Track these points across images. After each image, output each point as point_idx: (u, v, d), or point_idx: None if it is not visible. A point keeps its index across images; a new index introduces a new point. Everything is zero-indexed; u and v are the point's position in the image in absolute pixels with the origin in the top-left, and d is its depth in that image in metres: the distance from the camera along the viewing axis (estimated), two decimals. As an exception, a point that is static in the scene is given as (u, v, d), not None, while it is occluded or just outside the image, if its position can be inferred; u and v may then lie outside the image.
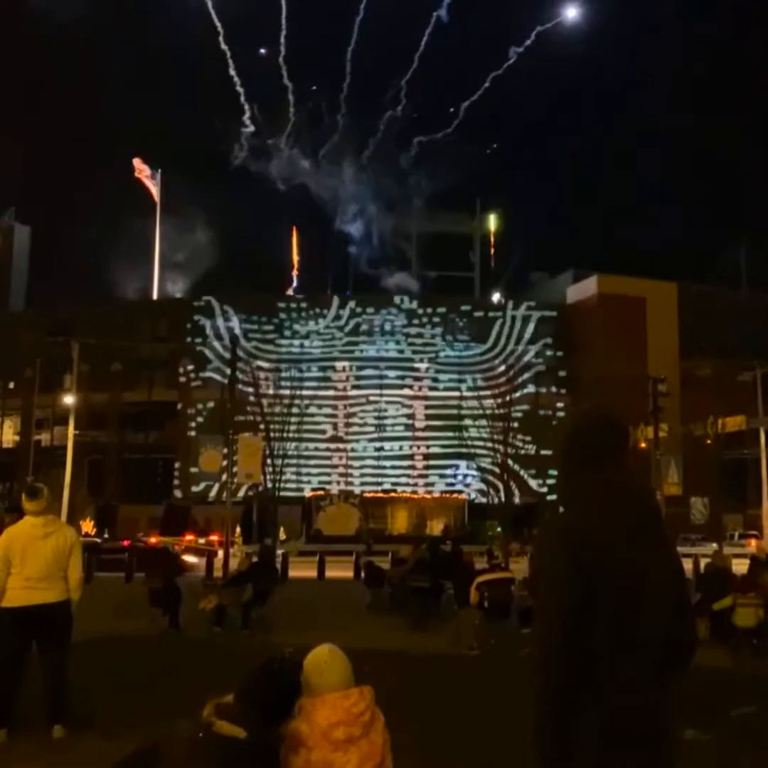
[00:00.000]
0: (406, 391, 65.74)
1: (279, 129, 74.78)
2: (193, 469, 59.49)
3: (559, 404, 65.25)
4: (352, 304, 67.86)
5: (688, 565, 25.13)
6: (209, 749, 3.25)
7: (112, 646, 12.18)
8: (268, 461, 40.14)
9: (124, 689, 9.07)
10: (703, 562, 19.62)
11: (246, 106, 75.29)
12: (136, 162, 76.01)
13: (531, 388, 64.51)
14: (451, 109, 74.51)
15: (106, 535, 48.85)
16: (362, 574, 23.41)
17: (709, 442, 38.63)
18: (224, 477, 34.87)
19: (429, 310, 67.52)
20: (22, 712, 7.15)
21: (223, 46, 73.82)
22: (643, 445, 40.68)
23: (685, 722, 7.22)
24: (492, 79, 75.49)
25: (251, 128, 73.99)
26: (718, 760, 6.75)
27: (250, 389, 47.16)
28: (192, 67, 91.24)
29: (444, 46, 75.35)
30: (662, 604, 2.59)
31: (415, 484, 60.34)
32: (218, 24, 72.44)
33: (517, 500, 53.39)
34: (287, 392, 51.92)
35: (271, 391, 51.42)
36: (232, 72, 74.83)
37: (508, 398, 51.92)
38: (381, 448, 63.96)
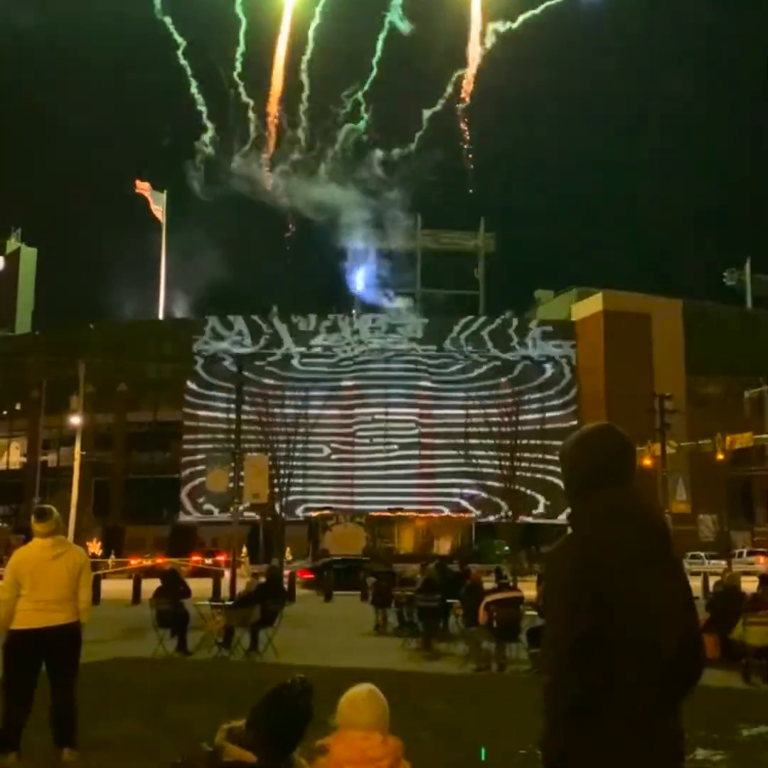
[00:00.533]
0: (412, 410, 65.72)
1: (246, 147, 74.34)
2: (189, 487, 59.56)
3: (565, 422, 65.14)
4: (356, 323, 67.99)
5: (696, 582, 25.01)
6: None
7: (121, 669, 12.17)
8: (275, 481, 40.12)
9: (133, 712, 9.06)
10: (712, 580, 19.53)
11: (208, 125, 75.16)
12: (139, 182, 76.25)
13: (537, 405, 64.39)
14: (416, 118, 73.30)
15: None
16: (369, 594, 23.33)
17: (720, 457, 38.45)
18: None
19: (433, 328, 67.59)
20: (30, 735, 7.14)
21: (182, 61, 73.44)
22: (648, 462, 40.55)
23: (698, 742, 7.18)
24: (455, 82, 73.89)
25: (210, 149, 73.83)
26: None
27: (256, 408, 47.13)
28: (160, 86, 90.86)
29: (402, 51, 73.35)
30: (671, 627, 2.59)
31: (422, 503, 60.09)
32: (179, 39, 72.01)
33: (524, 518, 53.18)
34: (292, 411, 51.99)
35: (276, 411, 51.40)
36: (193, 90, 74.63)
37: (514, 417, 51.82)
38: (387, 467, 63.86)
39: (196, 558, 47.04)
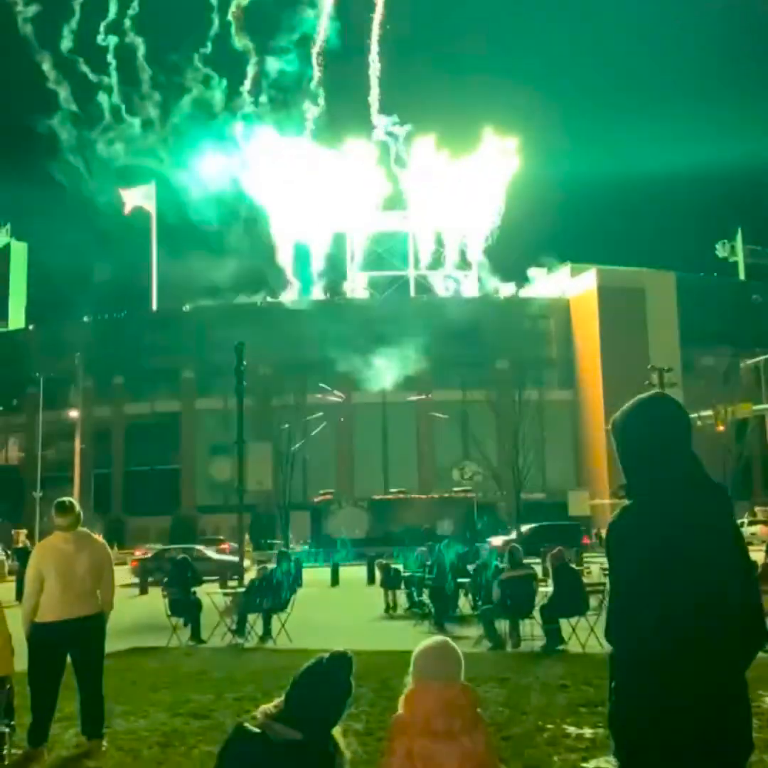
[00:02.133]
0: (410, 391, 65.69)
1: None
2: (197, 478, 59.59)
3: (562, 398, 65.34)
4: (351, 305, 67.83)
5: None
6: (266, 752, 3.23)
7: (138, 659, 12.19)
8: (277, 468, 40.18)
9: (156, 702, 9.08)
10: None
11: (63, 105, 73.97)
12: (124, 193, 75.27)
13: (534, 382, 64.45)
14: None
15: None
16: (377, 576, 23.39)
17: (721, 428, 38.47)
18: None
19: (429, 309, 67.48)
20: (58, 727, 7.17)
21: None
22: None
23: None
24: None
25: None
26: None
27: (255, 396, 47.11)
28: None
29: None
30: (733, 592, 2.61)
31: (423, 485, 60.19)
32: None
33: (525, 497, 53.26)
34: (291, 396, 51.92)
35: (276, 398, 51.39)
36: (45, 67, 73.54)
37: (515, 396, 51.85)
38: (387, 450, 63.91)
39: (199, 547, 46.98)
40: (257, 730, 3.34)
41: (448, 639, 3.44)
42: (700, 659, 2.54)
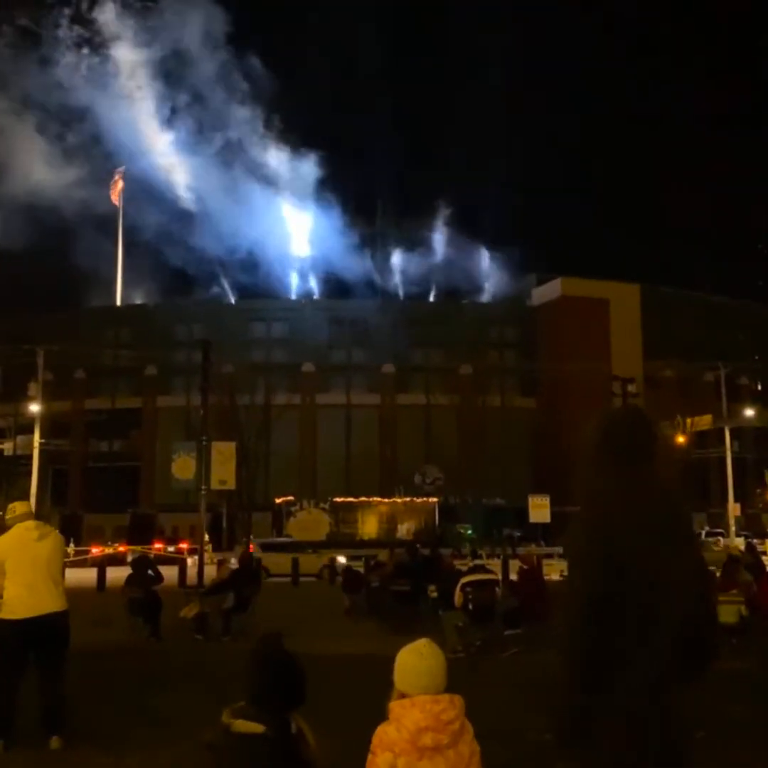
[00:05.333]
0: (374, 395, 65.72)
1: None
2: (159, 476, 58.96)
3: (525, 405, 65.66)
4: (318, 308, 67.75)
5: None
6: (230, 749, 3.19)
7: (96, 657, 12.02)
8: (241, 468, 39.94)
9: (114, 700, 8.99)
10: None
11: None
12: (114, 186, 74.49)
13: (497, 389, 64.81)
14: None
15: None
16: (337, 579, 23.37)
17: (681, 439, 38.92)
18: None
19: (395, 314, 67.56)
20: (18, 723, 7.04)
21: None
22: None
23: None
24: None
25: None
26: (714, 757, 6.81)
27: (219, 395, 46.85)
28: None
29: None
30: (682, 600, 2.63)
31: (385, 489, 60.18)
32: None
33: (487, 502, 53.54)
34: (254, 396, 51.62)
35: (239, 397, 51.09)
36: None
37: (480, 402, 52.08)
38: (349, 453, 63.82)
39: (158, 545, 46.64)
40: (231, 730, 3.30)
41: (431, 645, 3.30)
42: (648, 665, 2.57)
